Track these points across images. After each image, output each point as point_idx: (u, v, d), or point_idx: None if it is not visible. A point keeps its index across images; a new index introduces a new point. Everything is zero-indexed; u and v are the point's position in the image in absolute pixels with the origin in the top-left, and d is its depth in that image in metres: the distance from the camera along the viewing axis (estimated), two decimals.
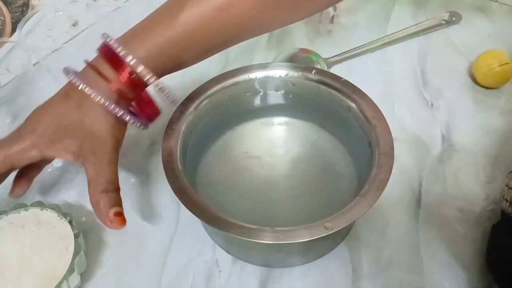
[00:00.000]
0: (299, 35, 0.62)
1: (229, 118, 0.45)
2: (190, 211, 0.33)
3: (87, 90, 0.33)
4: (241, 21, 0.35)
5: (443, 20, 0.61)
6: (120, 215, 0.33)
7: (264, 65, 0.43)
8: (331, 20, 0.64)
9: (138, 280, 0.39)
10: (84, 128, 0.34)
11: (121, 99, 0.34)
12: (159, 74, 0.35)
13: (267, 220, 0.40)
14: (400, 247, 0.41)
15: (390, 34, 0.60)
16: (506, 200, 0.37)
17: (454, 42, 0.60)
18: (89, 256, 0.40)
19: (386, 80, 0.55)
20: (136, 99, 0.36)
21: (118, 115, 0.34)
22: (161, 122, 0.51)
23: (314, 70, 0.43)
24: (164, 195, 0.45)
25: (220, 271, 0.40)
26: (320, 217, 0.33)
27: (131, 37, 0.35)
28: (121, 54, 0.33)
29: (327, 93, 0.42)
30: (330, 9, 0.65)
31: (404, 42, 0.59)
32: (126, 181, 0.46)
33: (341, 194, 0.41)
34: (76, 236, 0.37)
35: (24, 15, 0.60)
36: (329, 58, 0.57)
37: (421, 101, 0.53)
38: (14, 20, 0.59)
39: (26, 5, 0.61)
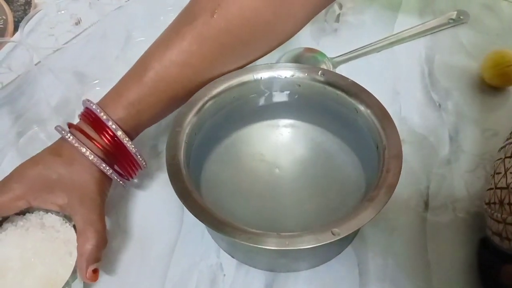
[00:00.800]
0: (304, 34, 0.61)
1: (234, 120, 0.44)
2: (195, 216, 0.32)
3: (80, 147, 0.37)
4: (203, 71, 0.40)
5: (451, 19, 0.60)
6: (96, 272, 0.35)
7: (270, 65, 0.42)
8: (337, 19, 0.63)
9: (142, 284, 0.39)
10: (73, 183, 0.37)
11: (107, 156, 0.38)
12: (138, 130, 0.41)
13: (272, 224, 0.40)
14: (407, 251, 0.40)
15: (397, 33, 0.59)
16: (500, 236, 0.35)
17: (462, 41, 0.59)
18: None
19: (393, 80, 0.54)
20: (119, 156, 0.39)
21: (105, 171, 0.38)
22: (164, 122, 0.51)
23: (320, 71, 0.42)
24: (168, 197, 0.44)
25: (224, 275, 0.39)
26: (326, 222, 0.32)
27: (109, 101, 0.39)
28: (103, 118, 0.37)
29: (333, 94, 0.41)
30: (336, 8, 0.65)
31: (411, 42, 0.59)
32: (129, 183, 0.46)
33: (348, 198, 0.40)
34: None
35: (26, 14, 0.59)
36: (334, 57, 0.56)
37: (429, 101, 0.52)
38: (16, 19, 0.59)
39: (28, 4, 0.60)
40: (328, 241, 0.30)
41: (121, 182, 0.40)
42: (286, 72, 0.42)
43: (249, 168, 0.43)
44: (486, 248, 0.37)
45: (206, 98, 0.40)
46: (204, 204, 0.33)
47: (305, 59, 0.56)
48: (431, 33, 0.59)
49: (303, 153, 0.44)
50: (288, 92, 0.43)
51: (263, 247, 0.30)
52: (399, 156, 0.35)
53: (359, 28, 0.62)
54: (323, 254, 0.38)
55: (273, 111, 0.45)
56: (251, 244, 0.30)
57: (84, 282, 0.37)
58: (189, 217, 0.42)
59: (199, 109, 0.40)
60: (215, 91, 0.40)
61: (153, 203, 0.44)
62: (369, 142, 0.39)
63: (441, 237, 0.41)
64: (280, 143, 0.45)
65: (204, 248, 0.41)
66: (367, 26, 0.62)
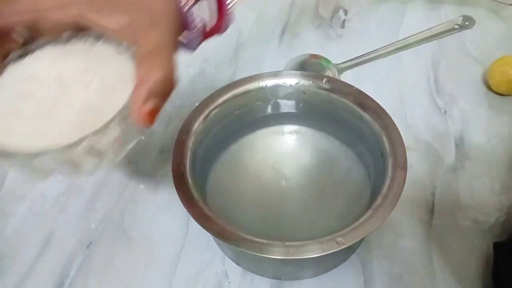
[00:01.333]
0: (309, 40, 0.61)
1: (239, 127, 0.44)
2: (200, 225, 0.32)
3: None
4: None
5: (457, 24, 0.60)
6: (153, 114, 0.26)
7: (275, 73, 0.43)
8: (342, 25, 0.63)
9: None
10: (141, 4, 0.28)
11: None
12: None
13: (278, 231, 0.40)
14: (412, 259, 0.40)
15: (403, 39, 0.59)
16: None
17: (468, 47, 0.59)
18: (96, 265, 0.40)
19: (398, 86, 0.54)
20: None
21: (184, 9, 0.29)
22: (170, 128, 0.51)
23: (325, 79, 0.42)
24: (173, 203, 0.44)
25: (229, 282, 0.39)
26: (331, 230, 0.32)
27: None
28: None
29: (338, 101, 0.41)
30: (342, 14, 0.65)
31: (416, 47, 0.59)
32: (136, 188, 0.46)
33: (354, 206, 0.40)
34: None
35: None
36: (340, 63, 0.56)
37: (435, 108, 0.52)
38: None
39: None
40: (333, 251, 0.31)
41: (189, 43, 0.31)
42: (291, 80, 0.42)
43: (255, 175, 0.43)
44: (506, 254, 0.37)
45: (212, 106, 0.40)
46: (210, 213, 0.33)
47: (310, 65, 0.56)
48: (437, 39, 0.59)
49: (308, 160, 0.44)
50: (293, 99, 0.44)
51: (268, 256, 0.31)
52: (404, 165, 0.35)
53: (364, 34, 0.62)
54: (329, 262, 0.38)
55: (278, 118, 0.45)
56: (256, 254, 0.31)
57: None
58: (195, 224, 0.42)
59: (205, 117, 0.40)
60: (221, 99, 0.41)
61: (159, 209, 0.45)
62: (374, 150, 0.39)
63: (447, 245, 0.41)
64: (285, 150, 0.45)
65: (209, 255, 0.41)
66: (373, 32, 0.62)
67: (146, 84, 0.26)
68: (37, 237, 0.43)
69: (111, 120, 0.26)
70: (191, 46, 0.33)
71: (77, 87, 0.28)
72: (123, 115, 0.26)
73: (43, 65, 0.29)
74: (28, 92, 0.28)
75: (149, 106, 0.26)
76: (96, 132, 0.26)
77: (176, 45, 0.29)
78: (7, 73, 0.30)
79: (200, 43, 0.33)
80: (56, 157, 0.26)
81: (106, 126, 0.26)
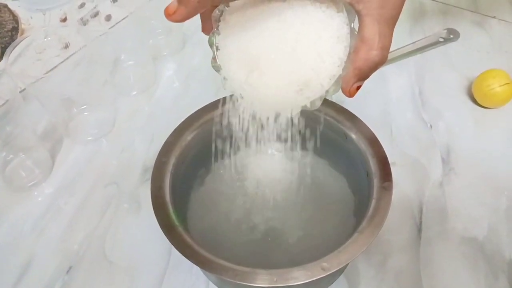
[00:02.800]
0: None
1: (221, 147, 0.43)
2: (181, 252, 0.31)
3: None
4: None
5: (441, 37, 0.60)
6: (358, 89, 0.30)
7: None
8: None
9: None
10: None
11: None
12: None
13: (261, 254, 0.39)
14: (401, 279, 0.39)
15: None
16: None
17: (453, 60, 0.58)
18: None
19: (383, 101, 0.54)
20: None
21: None
22: (153, 147, 0.50)
23: None
24: (156, 226, 0.43)
25: None
26: (317, 252, 0.31)
27: None
28: None
29: (323, 120, 0.41)
30: None
31: (401, 61, 0.58)
32: (117, 210, 0.45)
33: (339, 227, 0.39)
34: None
35: (13, 40, 0.59)
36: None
37: (420, 122, 0.52)
38: (3, 45, 0.58)
39: (15, 29, 0.60)
40: (318, 277, 0.30)
41: None
42: None
43: (238, 195, 0.42)
44: None
45: (192, 127, 0.39)
46: (190, 240, 0.32)
47: None
48: (421, 52, 0.59)
49: (293, 179, 0.43)
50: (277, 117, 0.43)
51: (251, 284, 0.30)
52: (389, 186, 0.34)
53: None
54: (315, 286, 0.37)
55: (261, 136, 0.44)
56: (239, 282, 0.30)
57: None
58: None
59: (185, 139, 0.39)
60: (201, 120, 0.40)
61: (141, 232, 0.43)
62: (359, 169, 0.38)
63: (435, 263, 0.40)
64: (269, 169, 0.44)
65: (193, 280, 0.40)
66: None
67: (360, 66, 0.28)
68: (15, 263, 0.42)
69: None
70: None
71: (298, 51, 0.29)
72: (335, 86, 0.30)
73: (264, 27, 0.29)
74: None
75: (357, 84, 0.29)
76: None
77: (392, 32, 0.29)
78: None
79: None
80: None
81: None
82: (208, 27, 0.31)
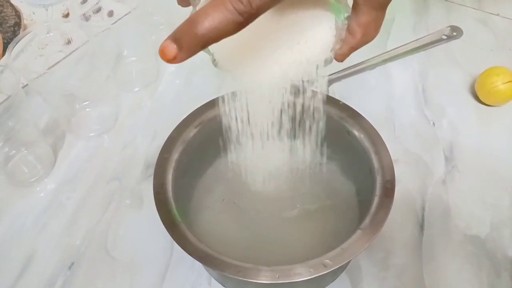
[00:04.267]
0: None
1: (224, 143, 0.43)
2: (183, 248, 0.31)
3: None
4: None
5: (444, 35, 0.60)
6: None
7: None
8: None
9: None
10: None
11: None
12: None
13: (264, 249, 0.39)
14: (403, 276, 0.39)
15: (390, 50, 0.58)
16: None
17: (456, 57, 0.58)
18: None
19: (386, 98, 0.54)
20: None
21: None
22: (156, 143, 0.50)
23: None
24: (158, 222, 0.43)
25: None
26: (320, 247, 0.31)
27: None
28: None
29: (326, 117, 0.41)
30: None
31: (404, 58, 0.58)
32: (119, 206, 0.45)
33: (342, 223, 0.39)
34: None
35: (16, 35, 0.58)
36: (327, 76, 0.55)
37: (423, 119, 0.52)
38: (5, 40, 0.58)
39: (17, 25, 0.60)
40: (320, 274, 0.30)
41: None
42: None
43: (240, 192, 0.42)
44: None
45: (195, 123, 0.39)
46: (192, 236, 0.32)
47: None
48: (425, 49, 0.59)
49: (295, 176, 0.43)
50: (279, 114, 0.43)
51: (253, 281, 0.30)
52: (392, 183, 0.34)
53: None
54: (317, 283, 0.37)
55: (263, 131, 0.44)
56: (241, 278, 0.30)
57: None
58: None
59: (188, 134, 0.39)
60: (204, 116, 0.40)
61: (143, 228, 0.43)
62: (362, 165, 0.38)
63: (437, 261, 0.40)
64: (272, 166, 0.44)
65: (195, 276, 0.40)
66: None
67: (358, 47, 0.30)
68: (16, 258, 0.42)
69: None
70: None
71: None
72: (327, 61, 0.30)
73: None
74: None
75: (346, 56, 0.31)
76: None
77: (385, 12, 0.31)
78: None
79: None
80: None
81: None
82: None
